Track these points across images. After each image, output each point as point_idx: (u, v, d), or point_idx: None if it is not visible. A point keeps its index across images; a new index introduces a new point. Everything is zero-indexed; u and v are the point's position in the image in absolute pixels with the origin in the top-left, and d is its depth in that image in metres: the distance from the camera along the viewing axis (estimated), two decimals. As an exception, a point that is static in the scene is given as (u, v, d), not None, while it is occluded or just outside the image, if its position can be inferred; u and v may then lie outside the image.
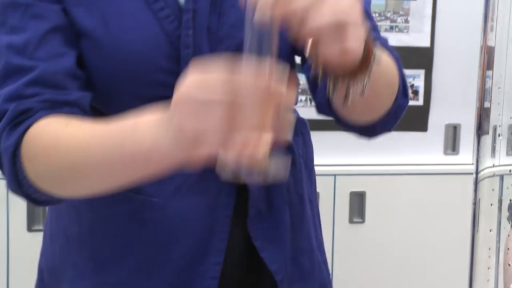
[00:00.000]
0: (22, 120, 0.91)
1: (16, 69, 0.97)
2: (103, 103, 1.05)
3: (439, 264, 2.25)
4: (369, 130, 1.11)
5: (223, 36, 1.03)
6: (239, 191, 1.06)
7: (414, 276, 2.40)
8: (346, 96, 0.89)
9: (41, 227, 2.08)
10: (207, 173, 0.97)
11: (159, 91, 0.99)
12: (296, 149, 1.16)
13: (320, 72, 0.87)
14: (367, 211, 2.43)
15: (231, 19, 1.03)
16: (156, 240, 1.04)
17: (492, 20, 0.73)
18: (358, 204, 2.42)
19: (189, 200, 1.04)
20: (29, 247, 2.07)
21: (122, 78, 1.01)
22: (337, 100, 1.02)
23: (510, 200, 1.34)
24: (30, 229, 2.19)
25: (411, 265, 2.40)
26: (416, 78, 2.42)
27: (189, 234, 1.04)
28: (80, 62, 1.02)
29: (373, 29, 1.09)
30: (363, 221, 2.42)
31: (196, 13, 1.01)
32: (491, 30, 0.77)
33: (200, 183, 1.03)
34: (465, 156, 2.38)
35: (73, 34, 1.00)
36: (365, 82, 0.87)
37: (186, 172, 0.96)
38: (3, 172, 0.92)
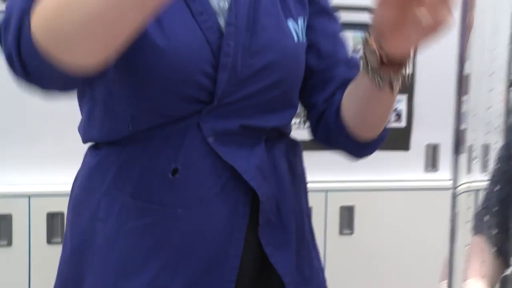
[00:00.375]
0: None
1: None
2: (140, 96, 1.02)
3: (421, 271, 2.27)
4: (362, 148, 1.13)
5: (254, 52, 1.02)
6: (253, 202, 1.05)
7: (398, 282, 2.39)
8: (391, 86, 0.95)
9: (59, 240, 2.07)
10: (227, 184, 1.03)
11: (195, 92, 1.00)
12: (296, 168, 1.17)
13: (381, 63, 0.93)
14: (356, 224, 2.42)
15: (261, 39, 1.04)
16: (179, 246, 1.03)
17: (467, 50, 0.70)
18: (347, 217, 2.42)
19: (210, 210, 1.03)
20: (48, 259, 2.02)
21: (166, 77, 0.99)
22: (361, 110, 1.07)
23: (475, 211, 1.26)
24: (49, 241, 2.15)
25: (396, 272, 2.40)
26: (399, 102, 2.41)
27: (210, 241, 1.04)
28: None
29: None
30: (352, 233, 2.42)
31: (236, 28, 1.02)
32: (466, 59, 0.74)
33: (221, 194, 1.03)
34: (445, 173, 2.41)
35: None
36: (407, 73, 0.94)
37: (207, 184, 1.02)
38: (3, 37, 0.84)
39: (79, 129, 1.15)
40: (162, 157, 1.03)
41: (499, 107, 1.19)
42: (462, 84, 0.75)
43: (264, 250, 1.07)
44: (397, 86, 0.96)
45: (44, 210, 2.09)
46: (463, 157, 0.76)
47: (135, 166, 1.04)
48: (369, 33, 0.93)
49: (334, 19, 1.20)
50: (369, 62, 0.96)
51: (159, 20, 0.97)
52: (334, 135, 1.15)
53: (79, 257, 1.08)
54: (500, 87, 1.55)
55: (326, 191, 2.38)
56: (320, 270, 1.22)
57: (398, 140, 2.46)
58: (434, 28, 0.82)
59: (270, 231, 1.08)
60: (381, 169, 2.42)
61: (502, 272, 1.26)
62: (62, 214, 2.07)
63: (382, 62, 0.94)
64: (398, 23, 0.88)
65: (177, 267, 1.03)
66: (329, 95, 1.15)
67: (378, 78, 0.96)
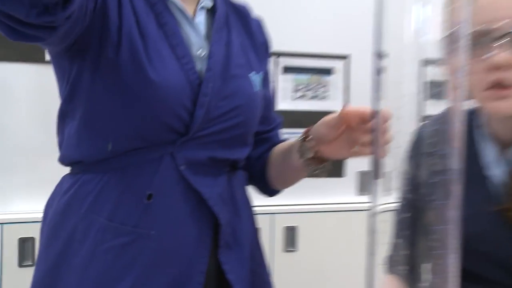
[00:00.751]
0: None
1: None
2: (123, 116, 1.03)
3: (357, 282, 2.31)
4: (272, 192, 1.28)
5: (224, 96, 1.06)
6: (214, 225, 1.07)
7: None
8: (314, 172, 1.10)
9: (30, 263, 2.03)
10: (195, 209, 1.05)
11: (174, 122, 1.02)
12: (247, 196, 1.21)
13: (312, 157, 1.07)
14: (299, 242, 2.45)
15: (231, 86, 1.08)
16: (151, 263, 1.03)
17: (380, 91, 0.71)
18: (291, 236, 2.44)
19: (180, 231, 1.04)
20: (20, 282, 1.99)
21: (151, 104, 1.01)
22: (289, 173, 1.22)
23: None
24: (20, 265, 2.08)
25: (335, 284, 2.43)
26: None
27: (179, 259, 1.04)
28: None
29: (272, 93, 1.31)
30: (295, 250, 2.44)
31: (214, 74, 1.06)
32: (380, 99, 0.75)
33: (190, 218, 1.04)
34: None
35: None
36: (330, 166, 1.09)
37: (178, 208, 1.04)
38: None
39: (59, 157, 1.14)
40: (138, 184, 1.04)
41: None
42: (377, 121, 0.81)
43: (222, 267, 1.08)
44: (319, 172, 1.10)
45: (16, 235, 2.04)
46: (382, 182, 0.76)
47: (112, 192, 1.04)
48: (308, 134, 1.07)
49: (269, 84, 1.28)
50: (303, 154, 1.09)
51: (149, 58, 1.00)
52: (255, 180, 1.27)
53: (54, 276, 1.06)
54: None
55: (272, 213, 2.39)
56: (269, 284, 1.23)
57: (334, 168, 2.43)
58: (364, 153, 0.98)
59: (227, 251, 1.10)
60: (320, 193, 2.45)
61: None
62: (33, 239, 2.01)
63: (313, 157, 1.08)
64: (336, 140, 1.02)
65: (150, 281, 1.03)
66: (262, 152, 1.26)
67: (308, 165, 1.10)
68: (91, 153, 1.06)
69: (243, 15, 1.22)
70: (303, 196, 2.39)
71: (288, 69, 2.49)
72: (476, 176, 1.06)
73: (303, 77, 2.52)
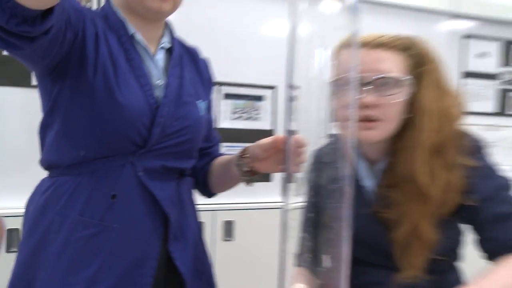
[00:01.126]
0: None
1: None
2: (94, 131, 1.05)
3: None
4: (212, 195, 1.35)
5: (176, 118, 1.12)
6: (165, 221, 1.12)
7: (266, 275, 2.35)
8: (248, 181, 1.18)
9: (16, 249, 1.76)
10: (150, 208, 1.09)
11: (135, 137, 1.06)
12: (192, 198, 1.27)
13: (247, 170, 1.15)
14: (235, 233, 2.52)
15: (182, 110, 1.13)
16: (113, 250, 1.05)
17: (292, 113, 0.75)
18: (229, 229, 2.51)
19: (137, 225, 1.08)
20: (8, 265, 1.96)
21: (118, 122, 1.04)
22: (226, 181, 1.27)
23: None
24: (8, 251, 2.06)
25: (265, 267, 2.40)
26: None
27: (136, 247, 1.08)
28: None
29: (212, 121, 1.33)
30: (232, 239, 2.51)
31: (169, 100, 1.11)
32: (292, 121, 0.79)
33: (146, 215, 1.09)
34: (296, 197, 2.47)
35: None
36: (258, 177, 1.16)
37: (137, 207, 1.08)
38: None
39: (40, 160, 1.15)
40: (104, 186, 1.06)
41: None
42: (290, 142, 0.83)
43: (171, 255, 1.13)
44: (251, 181, 1.17)
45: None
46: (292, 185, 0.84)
47: (83, 192, 1.06)
48: (244, 152, 1.14)
49: (211, 110, 1.33)
50: (241, 167, 1.15)
51: (118, 85, 1.03)
52: (199, 185, 1.33)
53: (34, 261, 1.07)
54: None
55: (214, 210, 2.46)
56: (210, 267, 1.28)
57: (265, 174, 2.38)
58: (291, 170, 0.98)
59: (175, 242, 1.14)
60: (253, 194, 2.42)
61: None
62: (18, 230, 1.98)
63: (248, 170, 1.14)
64: (267, 159, 1.09)
65: (112, 265, 1.05)
66: (204, 164, 1.31)
67: (243, 176, 1.16)
68: (66, 158, 1.07)
69: (194, 56, 1.26)
70: (239, 196, 2.36)
71: (228, 96, 2.55)
72: (356, 186, 1.09)
73: (240, 102, 2.59)
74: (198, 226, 1.26)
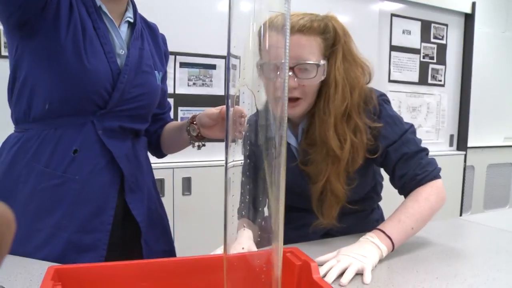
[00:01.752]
0: None
1: None
2: (58, 87, 1.05)
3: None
4: (163, 155, 1.40)
5: (135, 85, 1.14)
6: (122, 175, 1.14)
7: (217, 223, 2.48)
8: (195, 145, 1.23)
9: None
10: (108, 163, 1.12)
11: (96, 98, 1.08)
12: (146, 156, 1.29)
13: (196, 135, 1.20)
14: (192, 188, 2.53)
15: (140, 78, 1.16)
16: (75, 200, 1.07)
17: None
18: (187, 184, 2.52)
19: (97, 178, 1.10)
20: None
21: (82, 83, 1.05)
22: (176, 144, 1.31)
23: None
24: None
25: (218, 219, 2.50)
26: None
27: (96, 197, 1.10)
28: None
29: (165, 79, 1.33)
30: (190, 194, 2.53)
31: (130, 68, 1.13)
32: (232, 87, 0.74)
33: (104, 169, 1.11)
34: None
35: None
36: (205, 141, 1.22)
37: (96, 161, 1.09)
38: None
39: (11, 115, 1.15)
40: (67, 141, 1.08)
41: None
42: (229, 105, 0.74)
43: (128, 206, 1.16)
44: (199, 145, 1.23)
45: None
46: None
47: (48, 146, 1.07)
48: (193, 120, 1.20)
49: (166, 79, 1.35)
50: (190, 132, 1.21)
51: (85, 49, 1.05)
52: (151, 147, 1.37)
53: None
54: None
55: (173, 168, 2.47)
56: (164, 217, 1.31)
57: None
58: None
59: (131, 194, 1.17)
60: (208, 153, 2.49)
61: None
62: None
63: (196, 135, 1.20)
64: (213, 126, 1.15)
65: (75, 213, 1.07)
66: (157, 128, 1.36)
67: (192, 140, 1.22)
68: (32, 110, 1.08)
69: (153, 31, 1.30)
70: (195, 156, 2.52)
71: (184, 64, 2.54)
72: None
73: (195, 70, 2.58)
74: (153, 180, 1.28)
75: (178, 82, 2.57)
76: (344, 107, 1.13)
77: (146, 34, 1.24)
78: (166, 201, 2.46)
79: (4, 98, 1.17)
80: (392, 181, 1.21)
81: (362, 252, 1.01)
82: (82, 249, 1.07)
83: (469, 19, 3.70)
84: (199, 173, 2.56)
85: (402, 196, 1.20)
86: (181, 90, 2.58)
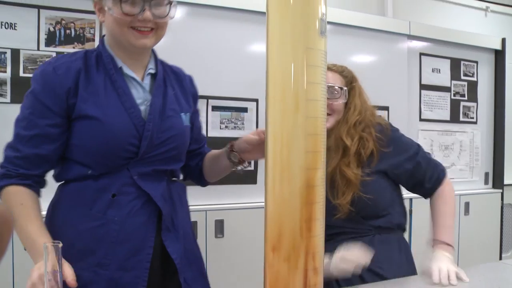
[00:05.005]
0: (4, 178, 1.13)
1: (15, 148, 1.14)
2: (93, 156, 1.16)
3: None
4: (208, 184, 1.46)
5: (163, 130, 1.20)
6: (159, 215, 1.20)
7: (251, 266, 2.38)
8: (238, 169, 1.34)
9: None
10: (145, 204, 1.18)
11: (125, 153, 1.16)
12: (183, 198, 1.34)
13: (237, 159, 1.30)
14: (225, 231, 2.52)
15: (167, 123, 1.21)
16: (116, 239, 1.14)
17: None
18: (220, 227, 2.52)
19: (135, 219, 1.16)
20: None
21: (105, 147, 1.14)
22: (218, 171, 1.40)
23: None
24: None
25: (249, 259, 2.43)
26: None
27: (134, 237, 1.16)
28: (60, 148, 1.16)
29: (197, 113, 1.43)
30: (223, 236, 2.52)
31: (154, 117, 1.19)
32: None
33: (141, 210, 1.18)
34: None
35: (59, 132, 1.14)
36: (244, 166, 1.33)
37: (133, 203, 1.16)
38: None
39: (54, 176, 1.24)
40: (107, 187, 1.16)
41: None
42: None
43: (164, 243, 1.21)
44: (242, 169, 1.34)
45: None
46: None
47: (89, 191, 1.16)
48: (233, 147, 1.31)
49: (199, 117, 1.43)
50: (232, 159, 1.31)
51: (106, 113, 1.14)
52: (195, 179, 1.45)
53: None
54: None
55: (206, 211, 2.48)
56: (201, 258, 1.35)
57: (249, 177, 2.57)
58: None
59: (167, 233, 1.22)
60: (240, 196, 2.57)
61: None
62: None
63: (238, 160, 1.30)
64: (252, 150, 1.26)
65: (115, 251, 1.14)
66: (198, 161, 1.42)
67: (235, 165, 1.32)
68: (78, 174, 1.18)
69: (178, 75, 1.34)
70: (228, 198, 2.55)
71: (215, 108, 2.59)
72: None
73: (227, 114, 2.62)
74: (189, 222, 1.34)
75: (211, 125, 2.61)
76: (357, 119, 1.48)
77: (171, 79, 1.30)
78: (198, 243, 2.49)
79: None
80: (413, 189, 1.52)
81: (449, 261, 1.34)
82: (123, 286, 1.13)
83: (499, 55, 3.67)
84: (231, 215, 2.56)
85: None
86: (214, 133, 2.60)
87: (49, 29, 2.23)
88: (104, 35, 1.25)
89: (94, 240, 1.14)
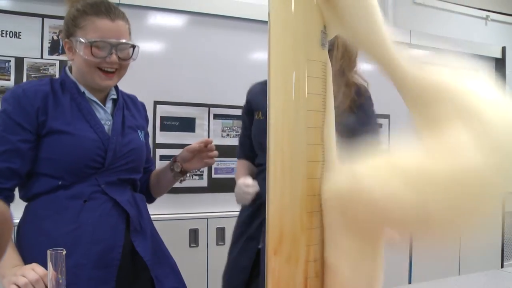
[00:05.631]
0: None
1: None
2: (63, 166, 1.24)
3: None
4: (153, 199, 1.56)
5: (123, 144, 1.32)
6: (127, 218, 1.29)
7: None
8: (180, 180, 1.47)
9: None
10: (112, 209, 1.28)
11: (93, 163, 1.26)
12: (145, 206, 1.42)
13: (179, 171, 1.43)
14: (227, 238, 2.49)
15: (127, 138, 1.34)
16: (90, 240, 1.22)
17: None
18: (221, 234, 2.53)
19: (105, 221, 1.25)
20: None
21: (75, 157, 1.24)
22: (162, 185, 1.52)
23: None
24: None
25: None
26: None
27: (107, 238, 1.25)
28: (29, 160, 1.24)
29: None
30: (224, 244, 2.51)
31: (116, 132, 1.31)
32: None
33: (110, 213, 1.27)
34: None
35: (29, 148, 1.22)
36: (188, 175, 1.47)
37: (102, 208, 1.26)
38: None
39: (22, 194, 1.31)
40: (78, 195, 1.25)
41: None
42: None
43: (133, 243, 1.30)
44: (183, 179, 1.47)
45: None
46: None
47: (63, 201, 1.24)
48: (176, 158, 1.44)
49: (148, 138, 1.52)
50: (174, 169, 1.44)
51: (74, 128, 1.25)
52: (144, 193, 1.48)
53: (31, 255, 1.20)
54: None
55: (207, 218, 2.50)
56: (169, 257, 1.41)
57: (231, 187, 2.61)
58: (208, 164, 1.42)
59: (136, 234, 1.31)
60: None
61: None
62: None
63: (179, 171, 1.44)
64: (192, 159, 1.41)
65: (89, 251, 1.22)
66: (146, 178, 1.52)
67: (177, 177, 1.46)
68: (48, 186, 1.26)
69: (134, 100, 1.49)
70: (227, 207, 2.45)
71: (217, 116, 2.62)
72: None
73: (228, 122, 2.65)
74: (153, 225, 1.43)
75: (212, 133, 2.64)
76: (340, 64, 1.49)
77: (128, 103, 1.45)
78: (200, 251, 2.50)
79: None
80: None
81: None
82: (96, 284, 1.21)
83: (499, 63, 3.68)
84: (233, 223, 2.45)
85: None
86: (215, 141, 2.36)
87: (52, 37, 2.26)
88: (66, 66, 1.39)
89: (70, 243, 1.19)
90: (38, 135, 1.26)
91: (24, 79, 2.20)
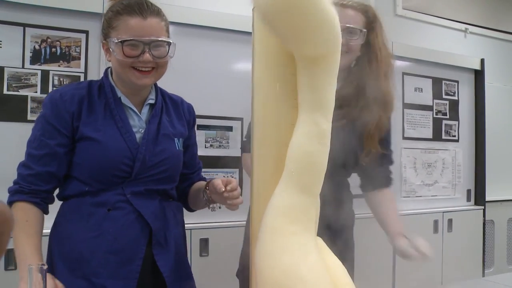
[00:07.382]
0: (17, 194, 1.23)
1: (28, 167, 1.25)
2: (90, 175, 1.26)
3: None
4: (194, 211, 1.56)
5: (155, 153, 1.30)
6: (150, 231, 1.28)
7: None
8: (208, 204, 1.42)
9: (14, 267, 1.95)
10: (137, 219, 1.27)
11: (120, 173, 1.26)
12: (178, 216, 1.43)
13: (208, 198, 1.38)
14: (210, 249, 2.54)
15: (160, 147, 1.31)
16: (110, 249, 1.23)
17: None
18: (204, 245, 2.53)
19: (127, 232, 1.25)
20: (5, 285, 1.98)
21: (101, 165, 1.25)
22: (198, 203, 1.49)
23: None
24: (6, 268, 2.01)
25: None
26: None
27: (126, 249, 1.25)
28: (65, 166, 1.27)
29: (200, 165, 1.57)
30: (207, 255, 2.53)
31: (147, 141, 1.30)
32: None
33: (133, 224, 1.27)
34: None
35: (65, 152, 1.26)
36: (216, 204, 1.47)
37: (126, 218, 1.26)
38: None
39: (58, 194, 1.34)
40: (103, 203, 1.26)
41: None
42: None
43: (155, 258, 1.29)
44: (212, 207, 1.47)
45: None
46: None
47: (89, 207, 1.26)
48: (207, 190, 1.37)
49: (195, 142, 1.52)
50: (204, 195, 1.38)
51: (103, 136, 1.25)
52: (182, 203, 1.51)
53: (50, 254, 1.29)
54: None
55: (190, 229, 2.47)
56: (191, 276, 1.42)
57: None
58: (231, 208, 1.27)
59: (159, 247, 1.30)
60: (225, 214, 2.50)
61: None
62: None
63: (209, 199, 1.38)
64: (221, 194, 1.27)
65: (109, 260, 1.23)
66: (185, 187, 1.50)
67: (208, 203, 1.40)
68: (77, 190, 1.28)
69: (176, 103, 1.45)
70: (215, 217, 2.54)
71: (201, 127, 2.59)
72: None
73: (212, 132, 2.64)
74: (183, 240, 1.42)
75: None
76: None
77: (169, 107, 1.41)
78: (184, 262, 2.51)
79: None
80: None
81: None
82: None
83: (479, 74, 3.76)
84: (216, 234, 2.56)
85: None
86: (198, 152, 2.56)
87: (34, 47, 2.23)
88: (108, 68, 1.37)
89: (89, 250, 1.22)
90: (74, 139, 1.28)
91: (5, 88, 2.17)
